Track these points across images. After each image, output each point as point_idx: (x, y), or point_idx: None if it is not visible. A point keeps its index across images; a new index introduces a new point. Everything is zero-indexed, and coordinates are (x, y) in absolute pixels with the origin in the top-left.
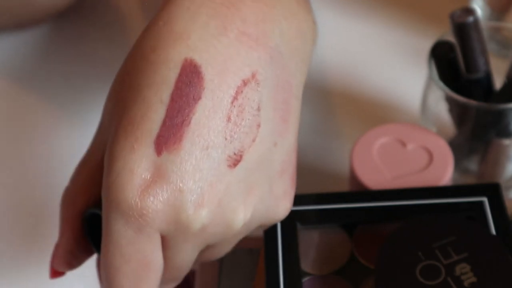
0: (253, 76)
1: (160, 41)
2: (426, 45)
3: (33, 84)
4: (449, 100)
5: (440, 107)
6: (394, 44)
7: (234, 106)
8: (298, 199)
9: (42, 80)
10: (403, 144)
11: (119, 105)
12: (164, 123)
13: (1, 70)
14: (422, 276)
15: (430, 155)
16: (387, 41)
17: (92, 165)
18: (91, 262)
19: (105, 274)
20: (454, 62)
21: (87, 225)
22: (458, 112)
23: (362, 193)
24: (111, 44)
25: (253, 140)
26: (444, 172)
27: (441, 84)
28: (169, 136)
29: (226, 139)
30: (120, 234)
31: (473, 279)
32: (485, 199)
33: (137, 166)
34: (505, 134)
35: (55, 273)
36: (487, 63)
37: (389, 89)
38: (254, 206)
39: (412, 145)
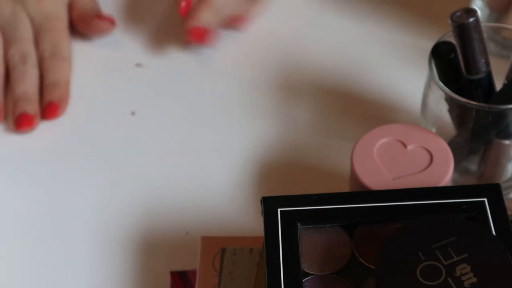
0: None
1: None
2: (426, 45)
3: None
4: (449, 100)
5: (440, 108)
6: (395, 44)
7: None
8: (298, 199)
9: None
10: (403, 145)
11: None
12: None
13: None
14: (422, 276)
15: (430, 156)
16: (387, 41)
17: None
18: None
19: None
20: (454, 63)
21: None
22: (458, 113)
23: (363, 193)
24: None
25: None
26: (444, 173)
27: (441, 84)
28: None
29: None
30: None
31: (474, 280)
32: (485, 200)
33: None
34: (505, 134)
35: None
36: (487, 63)
37: (389, 89)
38: None
39: (412, 146)
